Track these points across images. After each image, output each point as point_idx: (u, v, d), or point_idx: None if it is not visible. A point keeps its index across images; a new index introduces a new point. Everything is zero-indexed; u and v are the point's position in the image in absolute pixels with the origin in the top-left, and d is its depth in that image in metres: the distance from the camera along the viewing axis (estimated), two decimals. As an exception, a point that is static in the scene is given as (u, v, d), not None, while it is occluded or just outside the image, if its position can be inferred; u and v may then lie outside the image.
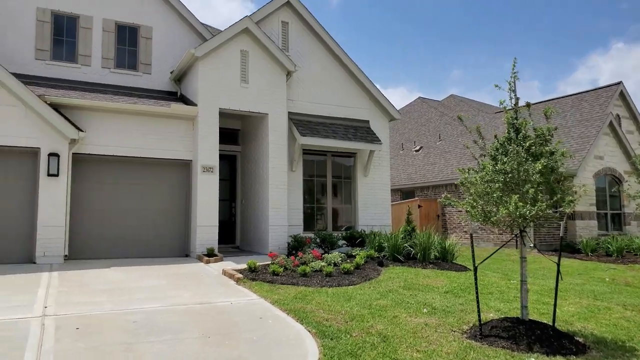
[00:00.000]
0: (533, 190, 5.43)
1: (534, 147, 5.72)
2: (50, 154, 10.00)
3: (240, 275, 8.36)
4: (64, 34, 12.13)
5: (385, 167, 14.13)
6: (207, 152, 11.32)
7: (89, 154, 10.72)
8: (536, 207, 5.39)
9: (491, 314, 6.56)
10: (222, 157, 12.33)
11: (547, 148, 5.77)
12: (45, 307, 6.23)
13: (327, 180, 13.50)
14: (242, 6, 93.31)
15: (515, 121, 5.97)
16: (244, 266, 9.17)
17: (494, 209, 5.77)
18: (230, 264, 9.78)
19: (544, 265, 11.81)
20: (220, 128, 11.65)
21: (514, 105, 6.02)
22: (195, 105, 11.44)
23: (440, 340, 5.42)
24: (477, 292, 5.96)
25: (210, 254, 10.61)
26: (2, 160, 9.94)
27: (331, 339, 5.31)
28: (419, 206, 19.93)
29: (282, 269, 8.73)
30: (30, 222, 9.95)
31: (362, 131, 13.51)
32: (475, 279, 5.99)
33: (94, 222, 10.78)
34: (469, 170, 6.28)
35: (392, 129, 26.74)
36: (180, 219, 11.64)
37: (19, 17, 11.66)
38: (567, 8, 70.11)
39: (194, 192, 11.37)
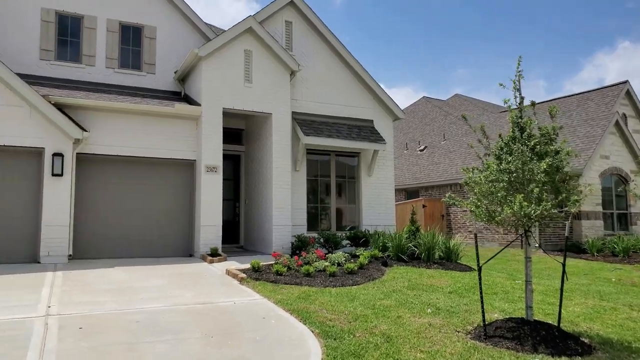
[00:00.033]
0: (538, 189, 5.38)
1: (538, 146, 5.66)
2: (54, 154, 10.03)
3: (244, 275, 8.35)
4: (68, 34, 12.16)
5: (390, 166, 14.09)
6: (210, 151, 11.31)
7: (93, 153, 10.74)
8: (541, 206, 5.34)
9: (496, 315, 6.51)
10: (226, 157, 12.33)
11: (552, 147, 5.72)
12: (49, 307, 6.24)
13: (331, 180, 13.47)
14: (247, 7, 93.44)
15: (519, 120, 5.92)
16: (247, 266, 9.16)
17: (499, 209, 5.72)
18: (233, 264, 9.77)
19: (549, 266, 11.73)
20: (224, 128, 11.65)
21: (519, 104, 5.97)
22: (199, 105, 11.44)
23: (444, 340, 5.38)
24: (481, 293, 5.91)
25: (213, 253, 10.61)
26: (6, 160, 9.98)
27: (334, 339, 5.28)
28: (424, 206, 19.87)
29: (285, 269, 8.71)
30: (35, 222, 9.99)
31: (366, 131, 13.48)
32: (480, 279, 5.94)
33: (97, 222, 10.80)
34: (473, 169, 6.24)
35: (397, 128, 26.69)
36: (184, 219, 11.65)
37: (23, 17, 11.70)
38: (573, 7, 69.78)
39: (198, 192, 11.38)
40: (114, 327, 5.49)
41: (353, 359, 4.77)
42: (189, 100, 12.33)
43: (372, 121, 13.85)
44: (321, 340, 5.24)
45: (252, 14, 11.97)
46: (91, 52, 12.26)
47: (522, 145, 5.70)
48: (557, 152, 5.70)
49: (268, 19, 12.69)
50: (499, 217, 5.67)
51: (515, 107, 5.98)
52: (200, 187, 11.21)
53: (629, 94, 19.74)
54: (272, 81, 12.09)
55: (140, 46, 12.82)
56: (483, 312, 5.80)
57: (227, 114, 11.88)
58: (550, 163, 5.47)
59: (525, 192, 5.55)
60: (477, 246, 6.08)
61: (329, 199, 13.44)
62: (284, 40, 12.87)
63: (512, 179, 5.64)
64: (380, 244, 10.95)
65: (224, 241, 11.64)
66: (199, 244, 11.03)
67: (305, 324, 5.79)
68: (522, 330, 5.54)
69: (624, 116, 19.47)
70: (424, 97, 30.31)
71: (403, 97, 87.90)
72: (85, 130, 10.39)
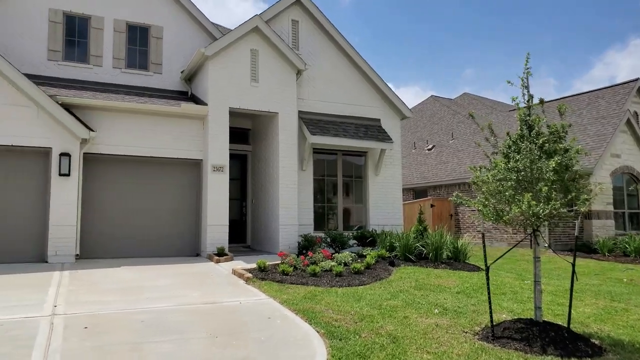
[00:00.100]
0: (547, 188, 5.28)
1: (547, 145, 5.57)
2: (61, 154, 10.07)
3: (250, 275, 8.32)
4: (75, 34, 12.22)
5: (397, 165, 14.00)
6: (217, 151, 11.31)
7: (100, 153, 10.78)
8: (550, 205, 5.24)
9: (504, 315, 6.42)
10: (233, 157, 12.31)
11: (561, 145, 5.62)
12: (55, 306, 6.25)
13: (337, 179, 13.42)
14: (254, 6, 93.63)
15: (528, 118, 5.83)
16: (253, 266, 9.13)
17: (507, 208, 5.64)
18: (240, 264, 9.75)
19: (559, 266, 11.59)
20: (230, 127, 11.64)
21: (527, 101, 5.88)
22: (206, 104, 11.44)
23: (451, 341, 5.31)
24: (489, 293, 5.83)
25: (220, 253, 10.60)
26: (14, 160, 10.05)
27: (340, 340, 5.23)
28: (432, 205, 19.75)
29: (291, 269, 8.67)
30: (43, 222, 10.04)
31: (373, 130, 13.41)
32: (487, 279, 5.86)
33: (104, 222, 10.84)
34: (480, 168, 6.16)
35: (405, 127, 26.55)
36: (190, 219, 11.66)
37: (31, 18, 11.76)
38: (583, 5, 69.08)
39: (205, 191, 11.37)
40: (119, 327, 5.49)
41: (358, 359, 4.71)
42: (195, 99, 12.34)
43: (379, 120, 13.77)
44: (326, 341, 5.20)
45: (258, 13, 11.95)
46: (98, 52, 12.31)
47: (530, 143, 5.61)
48: (567, 151, 5.60)
49: (274, 18, 12.66)
50: (507, 217, 5.59)
51: (524, 105, 5.90)
52: (207, 187, 11.21)
53: (641, 92, 19.45)
54: (278, 80, 12.06)
55: (147, 46, 12.84)
56: (491, 312, 5.72)
57: (234, 114, 11.87)
58: (559, 161, 5.38)
59: (533, 191, 5.46)
60: (484, 246, 6.00)
61: (335, 199, 13.38)
62: (290, 39, 12.84)
63: (520, 177, 5.55)
64: (388, 243, 10.88)
65: (231, 241, 11.63)
66: (205, 244, 11.03)
67: (310, 324, 5.75)
68: (531, 331, 5.45)
69: (636, 114, 19.19)
70: (432, 96, 30.14)
71: (412, 96, 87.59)
72: (92, 130, 10.43)
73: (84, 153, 10.50)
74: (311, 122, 12.55)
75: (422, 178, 22.89)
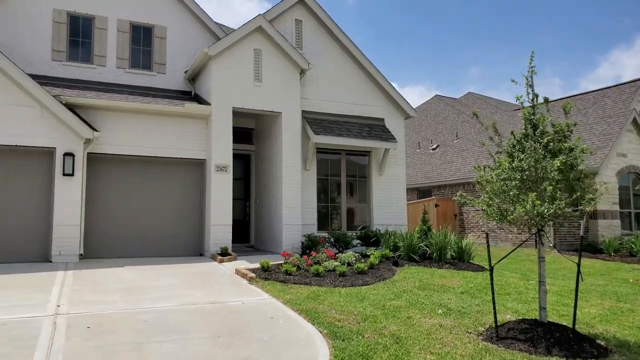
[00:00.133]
0: (551, 187, 5.24)
1: (552, 144, 5.52)
2: (65, 154, 10.09)
3: (253, 275, 8.30)
4: (79, 34, 12.24)
5: (401, 165, 13.96)
6: (220, 151, 11.30)
7: (104, 153, 10.79)
8: (555, 205, 5.20)
9: (508, 316, 6.38)
10: (236, 156, 12.31)
11: (566, 144, 5.57)
12: (58, 306, 6.25)
13: (341, 179, 13.39)
14: (259, 6, 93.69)
15: (532, 117, 5.79)
16: (257, 265, 9.12)
17: (511, 208, 5.59)
18: (243, 263, 9.74)
19: (564, 266, 11.51)
20: (234, 127, 11.63)
21: (531, 100, 5.83)
22: (209, 104, 11.43)
23: (455, 342, 5.27)
24: (493, 293, 5.79)
25: (224, 253, 10.59)
26: (18, 160, 10.08)
27: (342, 340, 5.20)
28: (436, 205, 19.68)
29: (295, 269, 8.65)
30: (47, 221, 10.06)
31: (377, 129, 13.37)
32: (491, 279, 5.82)
33: (108, 221, 10.85)
34: (484, 167, 6.12)
35: (409, 127, 26.49)
36: (194, 218, 11.66)
37: (36, 19, 11.80)
38: (587, 5, 68.70)
39: (208, 191, 11.37)
40: (122, 327, 5.48)
41: (361, 360, 4.69)
42: (199, 99, 12.34)
43: (383, 120, 13.73)
44: (329, 341, 5.17)
45: (262, 13, 11.94)
46: (102, 52, 12.33)
47: (534, 142, 5.56)
48: (572, 150, 5.55)
49: (278, 18, 12.64)
50: (511, 217, 5.54)
51: (528, 103, 5.85)
52: (211, 187, 11.20)
53: (647, 91, 19.29)
54: (282, 80, 12.04)
55: (150, 46, 12.86)
56: (495, 312, 5.67)
57: (237, 113, 11.86)
58: (564, 161, 5.33)
59: (538, 190, 5.41)
60: (488, 245, 5.96)
61: (339, 198, 13.36)
62: (294, 39, 12.82)
63: (525, 177, 5.50)
64: (391, 243, 10.84)
65: (234, 240, 11.62)
66: (209, 244, 11.03)
67: (313, 324, 5.73)
68: (536, 332, 5.41)
69: (642, 113, 19.03)
70: (436, 95, 30.04)
71: (416, 95, 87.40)
72: (96, 130, 10.45)
73: (87, 153, 10.52)
74: (315, 121, 12.53)
75: (426, 178, 22.82)
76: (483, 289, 7.85)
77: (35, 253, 9.92)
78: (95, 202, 10.75)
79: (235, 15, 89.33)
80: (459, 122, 25.59)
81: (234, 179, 11.64)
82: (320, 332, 5.47)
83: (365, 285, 8.00)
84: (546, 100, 5.85)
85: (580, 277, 5.68)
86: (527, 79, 5.84)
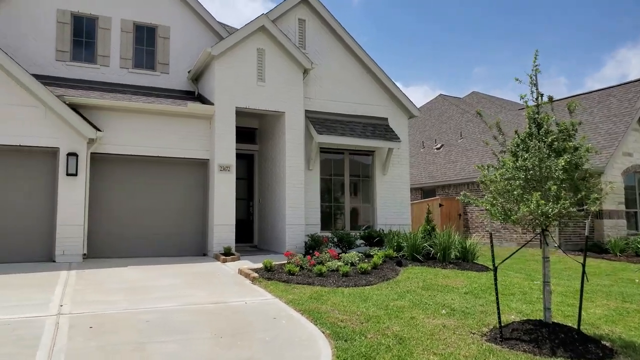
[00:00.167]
0: (556, 187, 5.19)
1: (556, 143, 5.47)
2: (69, 154, 10.11)
3: (256, 275, 8.29)
4: (83, 35, 12.27)
5: (405, 165, 13.91)
6: (224, 151, 11.29)
7: (107, 153, 10.81)
8: (559, 205, 5.15)
9: (512, 316, 6.33)
10: (240, 156, 12.30)
11: (570, 143, 5.51)
12: (61, 306, 6.26)
13: (345, 178, 13.36)
14: (263, 6, 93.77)
15: (536, 116, 5.74)
16: (260, 265, 9.10)
17: (515, 207, 5.55)
18: (246, 263, 9.73)
19: (569, 266, 11.44)
20: (237, 127, 11.62)
21: (536, 99, 5.78)
22: (212, 104, 11.43)
23: (459, 342, 5.23)
24: (496, 293, 5.74)
25: (227, 253, 10.58)
26: (22, 160, 10.11)
27: (345, 341, 5.17)
28: (440, 205, 19.61)
29: (298, 269, 8.63)
30: (50, 221, 10.08)
31: (380, 129, 13.33)
32: (495, 279, 5.78)
33: (111, 221, 10.87)
34: (488, 167, 6.08)
35: (413, 127, 26.41)
36: (197, 218, 11.66)
37: (39, 19, 11.83)
38: (593, 3, 68.32)
39: (211, 191, 11.37)
40: (124, 327, 5.47)
41: (364, 361, 4.66)
42: (202, 99, 12.34)
43: (386, 119, 13.69)
44: (332, 342, 5.14)
45: (264, 12, 11.92)
46: (106, 52, 12.35)
47: (539, 141, 5.51)
48: (576, 149, 5.50)
49: (281, 17, 12.62)
50: (515, 216, 5.50)
51: (532, 102, 5.80)
52: (214, 187, 11.20)
53: (653, 90, 19.14)
54: (285, 79, 12.02)
55: (154, 46, 12.87)
56: (499, 313, 5.63)
57: (240, 113, 11.85)
58: (568, 160, 5.28)
59: (542, 190, 5.37)
60: (492, 245, 5.91)
61: (342, 198, 13.32)
62: (297, 39, 12.80)
63: (529, 176, 5.46)
64: (395, 243, 10.80)
65: (237, 240, 11.61)
66: (212, 243, 11.02)
67: (316, 325, 5.70)
68: (540, 333, 5.36)
69: (648, 112, 18.89)
70: (440, 94, 29.95)
71: (420, 95, 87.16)
72: (99, 130, 10.46)
73: (91, 153, 10.53)
74: (318, 121, 12.50)
75: (430, 177, 22.75)
76: (487, 289, 7.80)
77: (39, 253, 9.94)
78: (99, 202, 10.77)
79: (238, 15, 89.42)
80: (463, 121, 25.50)
81: (237, 178, 11.63)
82: (323, 332, 5.44)
83: (368, 285, 7.97)
84: (550, 99, 5.80)
85: (585, 278, 5.63)
86: (531, 77, 5.79)
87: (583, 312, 5.97)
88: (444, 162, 23.15)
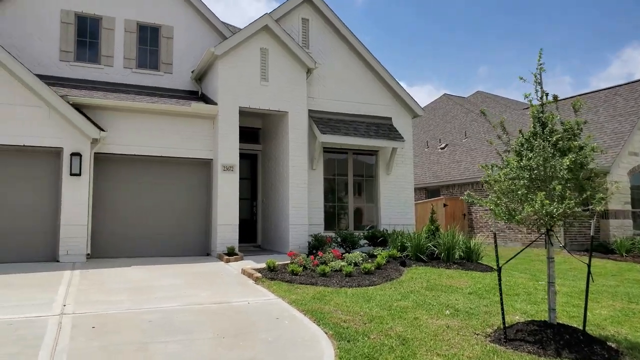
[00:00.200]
0: (560, 187, 5.14)
1: (561, 142, 5.42)
2: (72, 154, 10.12)
3: (259, 275, 8.27)
4: (87, 35, 12.29)
5: (409, 164, 13.86)
6: (227, 150, 11.29)
7: (111, 153, 10.82)
8: (564, 204, 5.10)
9: (517, 317, 6.28)
10: (243, 156, 12.29)
11: (575, 143, 5.47)
12: (64, 306, 6.25)
13: (348, 178, 13.33)
14: (267, 6, 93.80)
15: (541, 115, 5.69)
16: (263, 265, 9.09)
17: (519, 207, 5.50)
18: (249, 263, 9.71)
19: (574, 266, 11.36)
20: (240, 127, 11.61)
21: (540, 98, 5.73)
22: (216, 104, 11.42)
23: (462, 343, 5.19)
24: (500, 294, 5.70)
25: (230, 253, 10.57)
26: (26, 160, 10.13)
27: (348, 341, 5.14)
28: (445, 205, 19.55)
29: (301, 269, 8.60)
30: (54, 221, 10.10)
31: (384, 128, 13.29)
32: (499, 279, 5.73)
33: (115, 221, 10.88)
34: (492, 166, 6.03)
35: (417, 126, 26.34)
36: (201, 218, 11.65)
37: (44, 19, 11.86)
38: (593, 3, 67.94)
39: (215, 191, 11.36)
40: (127, 327, 5.47)
41: (366, 362, 4.63)
42: (205, 99, 12.34)
43: (390, 119, 13.65)
44: (334, 342, 5.12)
45: (268, 12, 11.90)
46: (109, 52, 12.37)
47: (543, 141, 5.47)
48: (582, 148, 5.45)
49: (284, 17, 12.60)
50: (519, 216, 5.45)
51: (537, 101, 5.75)
52: (217, 187, 11.19)
53: (659, 88, 19.01)
54: (288, 79, 12.00)
55: (157, 46, 12.88)
56: (503, 313, 5.58)
57: (244, 113, 11.84)
58: (573, 159, 5.23)
59: (547, 189, 5.32)
60: (496, 245, 5.87)
61: (346, 198, 13.29)
62: (300, 38, 12.77)
63: (533, 176, 5.41)
64: (399, 243, 10.76)
65: (241, 240, 11.60)
66: (215, 243, 11.02)
67: (319, 325, 5.67)
68: (545, 334, 5.31)
69: (654, 111, 18.75)
70: (444, 94, 29.86)
71: (425, 94, 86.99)
72: (103, 130, 10.47)
73: (95, 153, 10.54)
74: (321, 120, 12.48)
75: (434, 177, 22.68)
76: (491, 289, 7.75)
77: (43, 253, 9.96)
78: (103, 202, 10.78)
79: (242, 15, 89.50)
80: (467, 121, 25.41)
81: (240, 178, 11.62)
82: (326, 332, 5.42)
83: (372, 285, 7.93)
84: (555, 98, 5.74)
85: (590, 278, 5.58)
86: (535, 76, 5.74)
87: (588, 313, 5.91)
88: (448, 162, 23.07)
